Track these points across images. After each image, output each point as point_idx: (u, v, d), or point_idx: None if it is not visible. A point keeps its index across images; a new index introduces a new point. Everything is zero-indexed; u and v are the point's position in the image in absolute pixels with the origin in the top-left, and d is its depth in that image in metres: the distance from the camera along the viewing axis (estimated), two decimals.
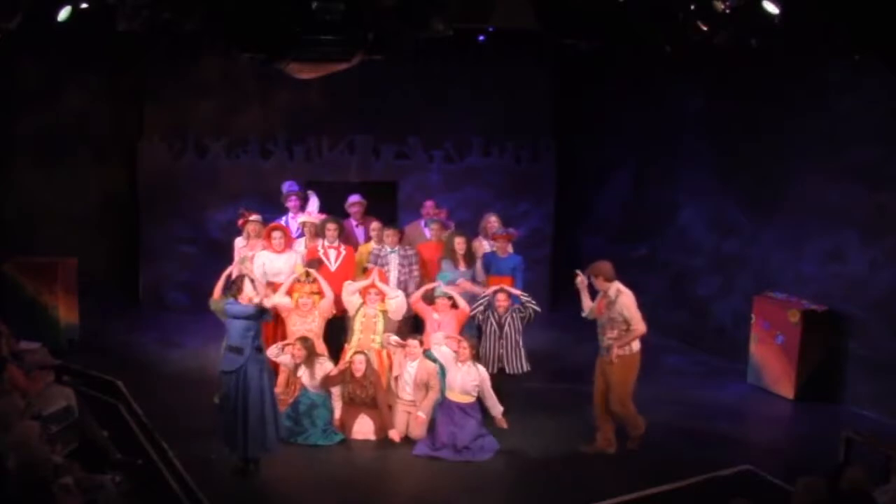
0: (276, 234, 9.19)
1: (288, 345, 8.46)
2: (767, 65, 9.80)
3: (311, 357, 8.31)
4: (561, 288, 13.30)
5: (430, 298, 9.10)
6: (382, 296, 8.81)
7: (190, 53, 12.01)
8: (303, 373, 8.35)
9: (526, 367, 8.96)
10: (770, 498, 7.20)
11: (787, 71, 9.92)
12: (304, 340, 8.34)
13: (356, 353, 8.44)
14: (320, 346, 8.68)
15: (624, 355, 7.99)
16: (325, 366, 8.38)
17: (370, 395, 8.38)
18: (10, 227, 11.44)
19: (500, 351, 8.82)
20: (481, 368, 8.35)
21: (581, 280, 8.17)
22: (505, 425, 8.46)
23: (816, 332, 9.64)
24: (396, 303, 8.84)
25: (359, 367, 8.33)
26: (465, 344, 8.31)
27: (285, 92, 12.40)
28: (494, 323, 8.85)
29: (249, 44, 7.41)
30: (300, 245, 9.76)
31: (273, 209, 10.66)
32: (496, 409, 8.40)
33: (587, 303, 8.23)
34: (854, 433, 7.32)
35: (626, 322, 7.91)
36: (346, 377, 8.39)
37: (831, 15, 7.09)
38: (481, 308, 8.94)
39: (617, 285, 7.98)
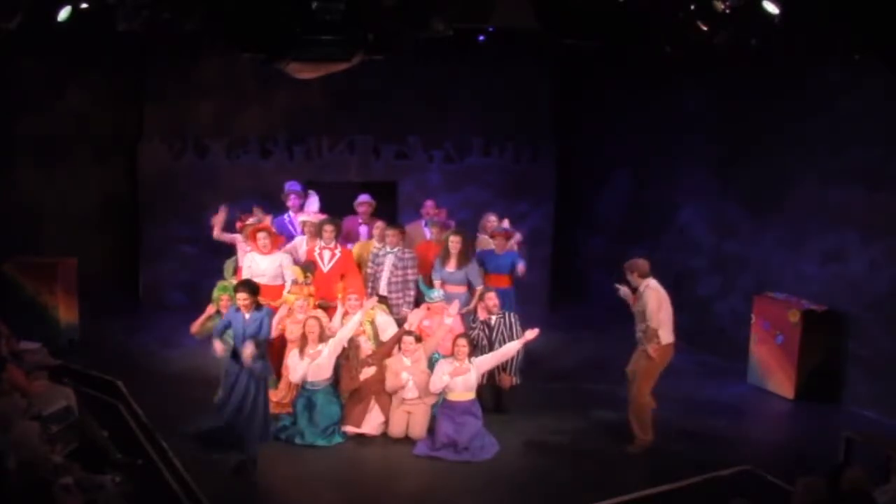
0: (261, 235, 9.11)
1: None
2: (768, 65, 9.79)
3: (322, 334, 8.38)
4: (560, 288, 13.35)
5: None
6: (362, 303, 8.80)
7: (190, 53, 12.02)
8: (306, 365, 8.35)
9: (516, 379, 9.03)
10: (770, 498, 7.20)
11: (787, 71, 9.92)
12: (316, 318, 8.46)
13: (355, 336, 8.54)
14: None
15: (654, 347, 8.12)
16: (323, 354, 8.36)
17: (380, 378, 8.42)
18: (10, 227, 11.43)
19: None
20: (475, 359, 8.37)
21: (624, 292, 8.30)
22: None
23: (816, 332, 9.64)
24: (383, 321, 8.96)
25: (363, 347, 8.47)
26: (461, 341, 8.32)
27: (285, 92, 12.40)
28: (485, 337, 8.88)
29: (249, 44, 7.41)
30: (302, 245, 9.79)
31: (272, 209, 10.65)
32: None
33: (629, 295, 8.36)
34: (854, 433, 7.32)
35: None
36: (354, 361, 8.43)
37: (831, 15, 7.09)
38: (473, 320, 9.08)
39: (647, 281, 8.14)
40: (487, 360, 8.48)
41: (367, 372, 8.45)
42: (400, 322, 9.07)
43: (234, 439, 7.65)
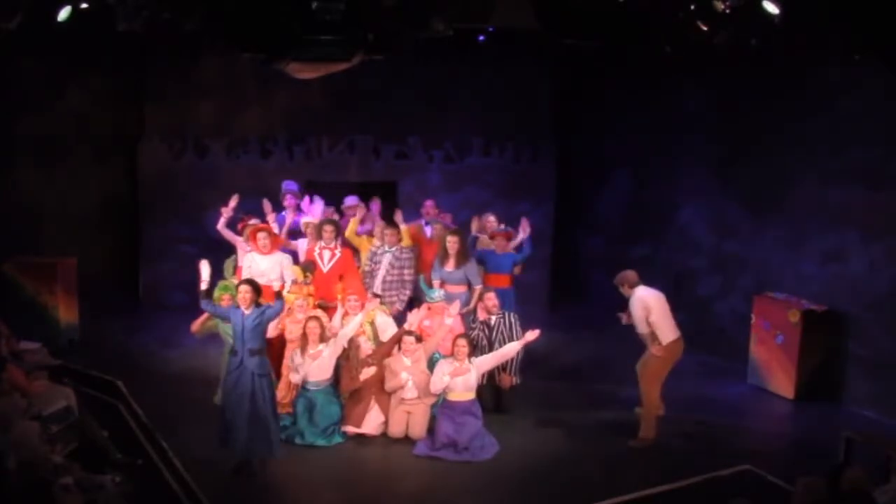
0: (261, 236, 9.10)
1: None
2: (768, 65, 9.79)
3: (322, 335, 8.38)
4: (560, 288, 13.35)
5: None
6: (362, 304, 8.77)
7: (190, 53, 12.03)
8: (307, 365, 8.35)
9: (516, 379, 9.03)
10: (770, 498, 7.21)
11: (787, 71, 9.92)
12: (317, 318, 8.45)
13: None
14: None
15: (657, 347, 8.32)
16: (324, 354, 8.36)
17: (379, 378, 8.42)
18: (10, 227, 11.43)
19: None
20: (475, 359, 8.38)
21: (625, 319, 8.48)
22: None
23: (816, 332, 9.63)
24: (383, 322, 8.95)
25: (363, 347, 8.47)
26: (461, 342, 8.32)
27: (285, 92, 12.41)
28: (485, 338, 8.88)
29: (249, 44, 7.41)
30: (303, 244, 9.81)
31: (275, 208, 10.64)
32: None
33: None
34: (854, 433, 7.32)
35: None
36: (354, 361, 8.42)
37: (831, 15, 7.10)
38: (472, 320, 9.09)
39: (634, 291, 8.29)
40: (487, 361, 8.48)
41: (367, 372, 8.45)
42: (396, 321, 9.07)
43: (236, 440, 7.61)
